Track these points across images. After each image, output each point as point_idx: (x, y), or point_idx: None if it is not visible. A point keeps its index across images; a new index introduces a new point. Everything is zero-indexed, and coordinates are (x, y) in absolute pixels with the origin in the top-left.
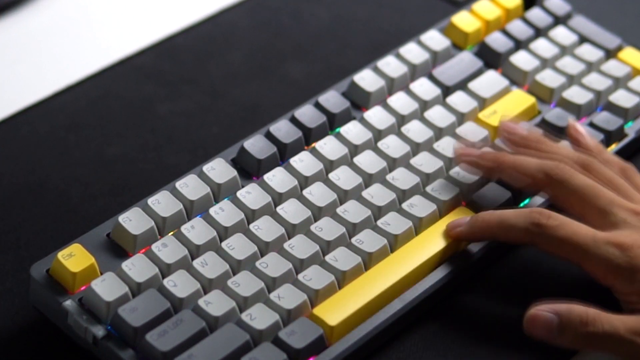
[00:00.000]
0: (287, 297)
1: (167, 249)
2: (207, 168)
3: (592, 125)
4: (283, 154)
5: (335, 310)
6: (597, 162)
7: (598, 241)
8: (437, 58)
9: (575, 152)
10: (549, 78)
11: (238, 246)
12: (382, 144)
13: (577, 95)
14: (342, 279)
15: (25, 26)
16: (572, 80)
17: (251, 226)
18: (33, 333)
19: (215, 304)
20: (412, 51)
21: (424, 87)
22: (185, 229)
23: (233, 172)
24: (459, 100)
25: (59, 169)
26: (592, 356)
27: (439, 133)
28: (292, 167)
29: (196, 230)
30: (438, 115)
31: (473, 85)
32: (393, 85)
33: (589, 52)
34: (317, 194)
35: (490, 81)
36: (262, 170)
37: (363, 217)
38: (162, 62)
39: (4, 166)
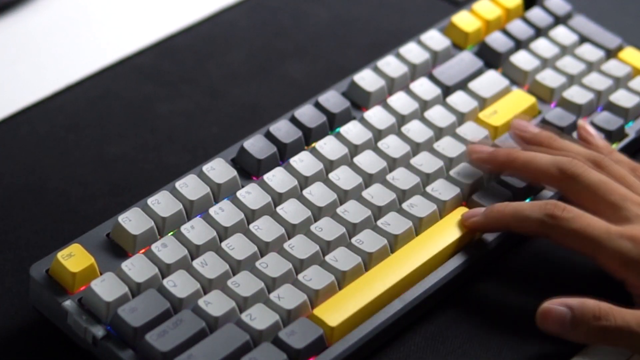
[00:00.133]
0: (287, 297)
1: (167, 249)
2: (207, 168)
3: (592, 125)
4: (283, 154)
5: (335, 311)
6: (609, 160)
7: (612, 234)
8: (437, 58)
9: (587, 150)
10: (549, 78)
11: (238, 246)
12: (382, 144)
13: (577, 95)
14: (342, 279)
15: (25, 26)
16: (573, 80)
17: (251, 226)
18: (32, 333)
19: (215, 304)
20: (412, 51)
21: (424, 87)
22: (185, 229)
23: (233, 172)
24: (459, 100)
25: (58, 169)
26: (602, 350)
27: (439, 133)
28: (292, 167)
29: (196, 231)
30: (438, 115)
31: (473, 85)
32: (393, 85)
33: (589, 52)
34: (317, 194)
35: (491, 81)
36: (262, 170)
37: (363, 217)
38: (162, 62)
39: (3, 166)
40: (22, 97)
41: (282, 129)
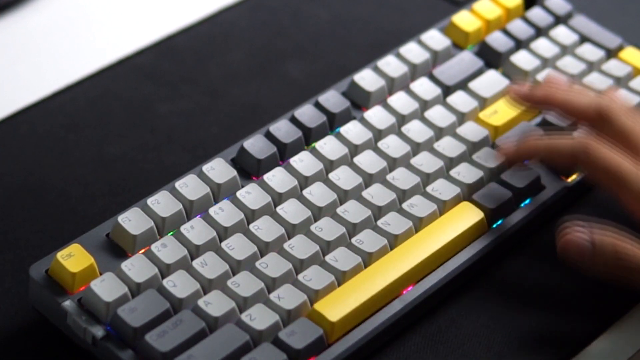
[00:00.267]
0: (287, 297)
1: (167, 249)
2: (206, 168)
3: None
4: (283, 154)
5: (335, 307)
6: None
7: (639, 175)
8: (438, 58)
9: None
10: None
11: (238, 246)
12: (382, 144)
13: None
14: (342, 279)
15: (25, 26)
16: (573, 80)
17: (251, 226)
18: (32, 333)
19: (215, 304)
20: (412, 51)
21: (424, 87)
22: (184, 229)
23: (233, 172)
24: (460, 100)
25: (58, 168)
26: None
27: (439, 133)
28: (292, 167)
29: (196, 231)
30: (438, 115)
31: (473, 85)
32: (393, 85)
33: (589, 51)
34: (317, 194)
35: (491, 81)
36: (262, 170)
37: (363, 217)
38: (162, 61)
39: (3, 166)
40: (21, 96)
41: (282, 129)
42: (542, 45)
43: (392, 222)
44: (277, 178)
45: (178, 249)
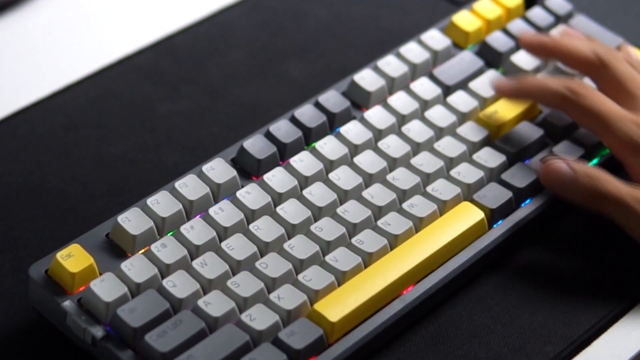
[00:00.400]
0: (287, 297)
1: (167, 249)
2: (206, 168)
3: None
4: (283, 153)
5: (336, 307)
6: None
7: (623, 118)
8: (438, 57)
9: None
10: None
11: (238, 246)
12: (382, 144)
13: None
14: (342, 279)
15: (24, 26)
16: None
17: (251, 226)
18: (32, 334)
19: (215, 304)
20: (412, 50)
21: (424, 87)
22: (184, 229)
23: (233, 172)
24: (460, 99)
25: (57, 168)
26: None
27: (439, 133)
28: (292, 167)
29: (195, 231)
30: (438, 115)
31: (474, 84)
32: (393, 85)
33: None
34: (317, 194)
35: (491, 81)
36: (262, 170)
37: (363, 217)
38: (162, 61)
39: (2, 166)
40: (21, 96)
41: (282, 128)
42: None
43: (392, 222)
44: (277, 178)
45: (178, 249)
